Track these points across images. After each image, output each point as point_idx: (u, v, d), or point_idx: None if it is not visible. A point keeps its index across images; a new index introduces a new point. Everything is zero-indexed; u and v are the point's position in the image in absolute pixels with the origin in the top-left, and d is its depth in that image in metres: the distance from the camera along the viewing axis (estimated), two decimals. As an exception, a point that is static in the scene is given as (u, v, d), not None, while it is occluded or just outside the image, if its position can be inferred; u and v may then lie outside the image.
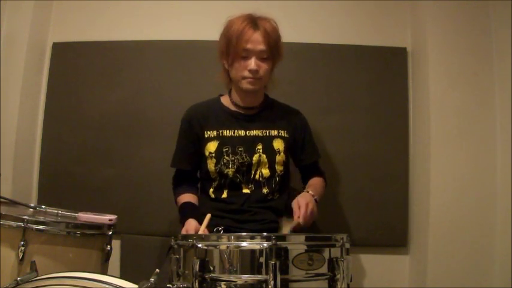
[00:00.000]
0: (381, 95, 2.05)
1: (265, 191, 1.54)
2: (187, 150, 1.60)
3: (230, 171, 1.52)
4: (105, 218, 1.37)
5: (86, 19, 2.13)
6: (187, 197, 1.57)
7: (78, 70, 2.09)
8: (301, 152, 1.63)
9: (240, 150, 1.53)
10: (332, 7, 2.11)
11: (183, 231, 1.39)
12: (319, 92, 2.04)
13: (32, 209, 1.53)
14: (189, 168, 1.62)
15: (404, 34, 2.10)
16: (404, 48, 2.08)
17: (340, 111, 2.03)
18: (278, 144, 1.56)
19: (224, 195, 1.54)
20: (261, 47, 1.45)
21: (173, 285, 1.07)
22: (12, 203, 1.50)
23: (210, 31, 2.07)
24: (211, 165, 1.53)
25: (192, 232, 1.36)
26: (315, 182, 1.62)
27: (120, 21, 2.13)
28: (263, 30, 1.46)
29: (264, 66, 1.48)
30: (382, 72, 2.06)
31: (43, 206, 1.53)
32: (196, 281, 1.00)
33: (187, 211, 1.51)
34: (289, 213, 1.58)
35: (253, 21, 1.47)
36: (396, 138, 2.03)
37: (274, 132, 1.57)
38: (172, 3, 2.12)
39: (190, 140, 1.59)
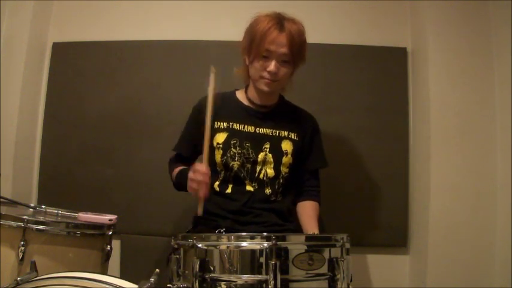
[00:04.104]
0: (381, 95, 2.05)
1: (267, 191, 1.53)
2: (191, 137, 1.59)
3: (235, 164, 1.51)
4: (105, 218, 1.37)
5: (86, 19, 2.14)
6: (185, 167, 1.56)
7: (78, 70, 2.09)
8: (307, 156, 1.61)
9: (247, 146, 1.52)
10: (332, 7, 2.11)
11: (191, 172, 1.36)
12: (319, 92, 2.04)
13: (32, 209, 1.53)
14: (188, 155, 1.62)
15: (404, 34, 2.10)
16: (404, 48, 2.08)
17: (340, 111, 2.03)
18: (286, 146, 1.55)
19: (228, 190, 1.52)
20: (284, 50, 1.42)
21: (173, 285, 1.07)
22: (12, 203, 1.50)
23: (211, 31, 2.10)
24: (217, 156, 1.52)
25: (196, 164, 1.35)
26: (314, 212, 1.57)
27: (120, 21, 2.13)
28: (288, 32, 1.42)
29: (284, 70, 1.46)
30: (382, 72, 2.06)
31: (43, 206, 1.53)
32: (197, 281, 1.00)
33: (186, 171, 1.49)
34: (292, 216, 1.59)
35: (280, 22, 1.44)
36: (396, 138, 2.03)
37: (284, 134, 1.56)
38: (172, 3, 2.12)
39: (197, 129, 1.56)
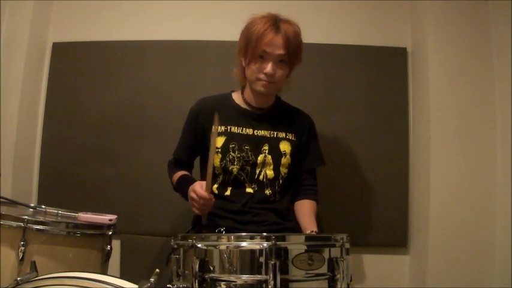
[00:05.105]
0: (381, 95, 2.05)
1: (267, 192, 1.53)
2: (189, 141, 1.60)
3: (235, 168, 1.51)
4: (105, 218, 1.37)
5: (86, 19, 2.14)
6: (184, 172, 1.59)
7: (78, 70, 2.09)
8: (304, 156, 1.62)
9: (246, 149, 1.52)
10: (332, 7, 2.11)
11: (192, 193, 1.36)
12: (319, 92, 2.04)
13: (32, 209, 1.53)
14: (186, 159, 1.63)
15: (404, 34, 2.10)
16: (404, 48, 2.08)
17: (340, 111, 2.03)
18: (285, 147, 1.55)
19: (228, 192, 1.53)
20: (280, 51, 1.43)
21: (173, 285, 1.07)
22: (12, 203, 1.50)
23: (211, 31, 2.10)
24: (216, 160, 1.51)
25: (198, 189, 1.33)
26: (312, 210, 1.57)
27: (120, 21, 2.13)
28: (284, 34, 1.42)
29: (280, 71, 1.46)
30: (382, 72, 2.06)
31: (43, 206, 1.54)
32: (196, 281, 1.00)
33: (188, 179, 1.51)
34: (291, 215, 1.59)
35: (276, 23, 1.44)
36: (396, 138, 2.03)
37: (281, 135, 1.56)
38: (172, 3, 2.12)
39: (194, 132, 1.58)
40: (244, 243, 1.02)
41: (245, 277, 1.01)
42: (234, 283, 1.01)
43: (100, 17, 2.13)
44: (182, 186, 1.50)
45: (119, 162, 2.03)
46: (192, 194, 1.36)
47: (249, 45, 1.44)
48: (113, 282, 0.95)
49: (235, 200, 1.51)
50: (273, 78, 1.46)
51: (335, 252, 1.05)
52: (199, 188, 1.34)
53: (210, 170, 1.32)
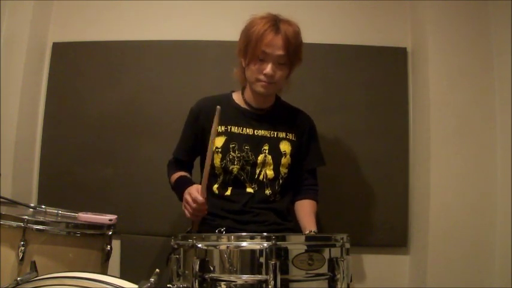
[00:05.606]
0: (381, 95, 2.05)
1: (267, 192, 1.53)
2: (189, 141, 1.61)
3: (235, 168, 1.51)
4: (105, 218, 1.37)
5: (86, 19, 2.14)
6: (183, 173, 1.59)
7: (78, 70, 2.09)
8: (304, 156, 1.62)
9: (247, 149, 1.52)
10: (332, 7, 2.11)
11: (187, 195, 1.37)
12: (319, 92, 2.04)
13: (32, 209, 1.53)
14: (187, 159, 1.64)
15: (404, 34, 2.10)
16: (404, 48, 2.08)
17: (340, 111, 2.03)
18: (285, 147, 1.55)
19: (228, 192, 1.53)
20: (280, 52, 1.43)
21: (173, 285, 1.07)
22: (12, 203, 1.50)
23: (211, 31, 2.10)
24: (216, 160, 1.51)
25: (194, 191, 1.34)
26: (312, 210, 1.58)
27: (120, 21, 2.13)
28: (284, 34, 1.42)
29: (280, 72, 1.46)
30: (382, 72, 2.06)
31: (43, 206, 1.54)
32: (196, 281, 1.00)
33: (186, 181, 1.52)
34: (291, 215, 1.59)
35: (276, 24, 1.44)
36: (396, 138, 2.03)
37: (281, 135, 1.56)
38: (172, 3, 2.12)
39: (194, 132, 1.58)
40: (244, 243, 1.03)
41: (245, 277, 1.01)
42: (234, 283, 1.01)
43: (100, 17, 2.13)
44: (179, 187, 1.51)
45: (119, 162, 2.03)
46: (187, 196, 1.36)
47: (249, 46, 1.44)
48: (113, 282, 0.96)
49: (236, 199, 1.51)
50: (273, 79, 1.46)
51: (335, 252, 1.05)
52: (195, 191, 1.35)
53: (206, 175, 1.32)
